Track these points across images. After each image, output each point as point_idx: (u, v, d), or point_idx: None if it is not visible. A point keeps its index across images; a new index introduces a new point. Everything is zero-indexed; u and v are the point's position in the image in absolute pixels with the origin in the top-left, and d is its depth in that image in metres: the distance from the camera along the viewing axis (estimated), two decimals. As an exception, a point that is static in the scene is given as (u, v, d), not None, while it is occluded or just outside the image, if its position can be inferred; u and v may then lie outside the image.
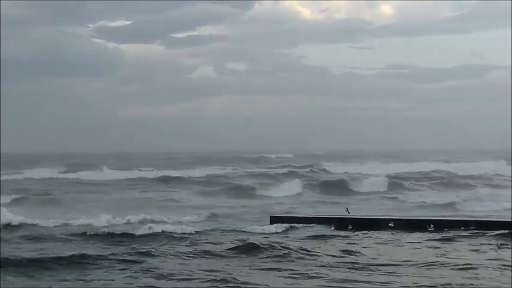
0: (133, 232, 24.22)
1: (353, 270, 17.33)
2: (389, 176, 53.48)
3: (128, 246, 21.17)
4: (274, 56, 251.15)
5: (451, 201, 37.15)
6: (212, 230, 25.46)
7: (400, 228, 25.58)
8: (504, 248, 20.82)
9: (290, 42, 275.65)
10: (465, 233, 23.92)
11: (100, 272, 17.44)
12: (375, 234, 24.43)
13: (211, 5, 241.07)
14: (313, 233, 24.73)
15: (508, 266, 17.59)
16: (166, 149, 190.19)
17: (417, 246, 21.56)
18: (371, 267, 17.68)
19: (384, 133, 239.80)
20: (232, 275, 16.60)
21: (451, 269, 17.37)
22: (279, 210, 34.01)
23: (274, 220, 27.86)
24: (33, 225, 27.28)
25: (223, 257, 19.67)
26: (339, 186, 49.77)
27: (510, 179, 53.53)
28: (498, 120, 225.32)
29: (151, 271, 17.39)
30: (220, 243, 21.81)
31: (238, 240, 21.96)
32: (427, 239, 23.02)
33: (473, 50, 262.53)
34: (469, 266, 17.62)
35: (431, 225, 25.50)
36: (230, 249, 20.61)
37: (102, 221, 28.00)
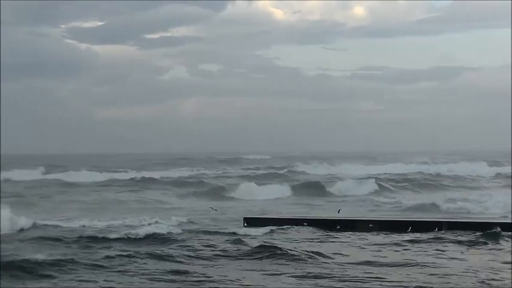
0: (104, 235, 23.68)
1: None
2: (367, 178, 53.37)
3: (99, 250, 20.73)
4: (247, 57, 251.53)
5: (432, 203, 36.88)
6: (190, 231, 25.08)
7: (380, 229, 25.51)
8: (472, 249, 21.06)
9: (263, 44, 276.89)
10: (438, 235, 23.95)
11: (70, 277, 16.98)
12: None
13: (184, 6, 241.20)
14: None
15: (470, 267, 17.75)
16: (139, 150, 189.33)
17: (383, 248, 21.62)
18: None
19: (357, 135, 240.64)
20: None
21: (412, 268, 17.62)
22: (252, 211, 33.79)
23: (248, 221, 27.78)
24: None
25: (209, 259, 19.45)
26: (314, 188, 49.41)
27: (490, 180, 53.99)
28: (471, 121, 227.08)
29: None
30: (212, 245, 21.63)
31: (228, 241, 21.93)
32: (396, 240, 23.04)
33: (445, 52, 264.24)
34: (432, 266, 17.80)
35: (410, 227, 25.43)
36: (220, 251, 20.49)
37: (74, 223, 27.61)
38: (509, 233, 23.04)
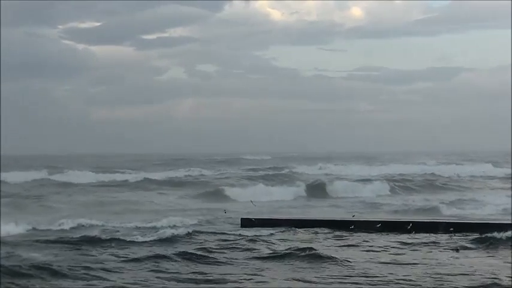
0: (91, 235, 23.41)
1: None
2: (370, 179, 53.19)
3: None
4: (245, 57, 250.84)
5: (436, 204, 36.40)
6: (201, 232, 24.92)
7: (387, 230, 25.58)
8: (463, 251, 21.13)
9: (261, 44, 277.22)
10: (443, 236, 24.06)
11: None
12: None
13: (182, 7, 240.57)
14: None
15: (472, 268, 17.93)
16: (138, 150, 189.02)
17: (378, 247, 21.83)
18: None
19: (354, 135, 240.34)
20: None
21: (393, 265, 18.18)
22: (250, 212, 33.37)
23: (245, 222, 27.62)
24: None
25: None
26: (316, 189, 48.89)
27: (498, 181, 53.79)
28: (469, 122, 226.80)
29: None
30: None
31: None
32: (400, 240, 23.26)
33: (442, 52, 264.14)
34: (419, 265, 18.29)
35: (409, 226, 25.51)
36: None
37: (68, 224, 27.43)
38: (510, 234, 22.78)
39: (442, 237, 23.74)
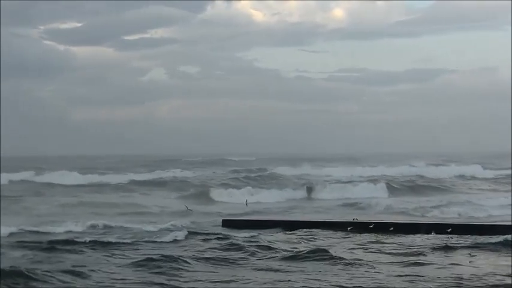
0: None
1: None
2: (355, 180, 53.51)
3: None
4: (227, 58, 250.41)
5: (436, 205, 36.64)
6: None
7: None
8: (476, 251, 21.27)
9: (243, 45, 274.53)
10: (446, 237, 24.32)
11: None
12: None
13: (163, 8, 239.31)
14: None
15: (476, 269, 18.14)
16: (119, 151, 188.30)
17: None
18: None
19: (337, 136, 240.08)
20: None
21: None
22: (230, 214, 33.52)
23: (226, 223, 27.83)
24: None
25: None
26: (299, 190, 48.82)
27: (485, 182, 53.94)
28: (454, 124, 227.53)
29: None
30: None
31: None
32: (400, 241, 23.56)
33: (424, 54, 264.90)
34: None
35: (391, 228, 25.86)
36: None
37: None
38: (509, 235, 22.96)
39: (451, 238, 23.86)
